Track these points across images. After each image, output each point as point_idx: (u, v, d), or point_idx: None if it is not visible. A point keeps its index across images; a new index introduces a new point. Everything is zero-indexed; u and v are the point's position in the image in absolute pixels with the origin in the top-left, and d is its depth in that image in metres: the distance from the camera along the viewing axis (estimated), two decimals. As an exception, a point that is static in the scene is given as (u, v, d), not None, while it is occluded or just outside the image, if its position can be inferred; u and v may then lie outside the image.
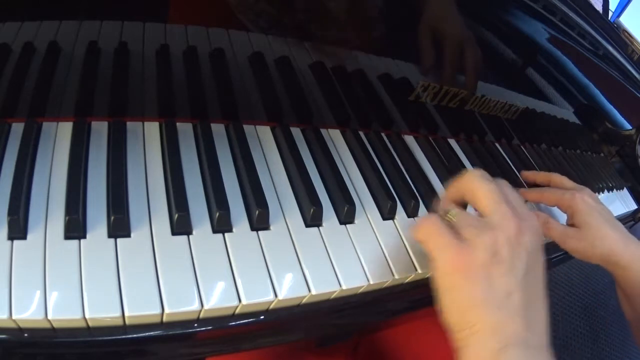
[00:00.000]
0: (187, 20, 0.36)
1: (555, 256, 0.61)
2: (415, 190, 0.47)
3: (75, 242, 0.30)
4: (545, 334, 0.32)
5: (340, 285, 0.35)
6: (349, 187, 0.42)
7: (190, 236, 0.33)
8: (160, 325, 0.30)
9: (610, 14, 0.99)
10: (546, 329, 0.32)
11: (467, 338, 0.30)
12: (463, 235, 0.32)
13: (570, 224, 0.50)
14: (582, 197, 0.50)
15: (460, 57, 0.50)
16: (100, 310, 0.27)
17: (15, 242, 0.28)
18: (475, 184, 0.35)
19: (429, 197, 0.47)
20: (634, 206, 0.89)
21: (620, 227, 0.49)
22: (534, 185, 0.59)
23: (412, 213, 0.45)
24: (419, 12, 0.45)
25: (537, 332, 0.31)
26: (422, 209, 0.46)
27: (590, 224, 0.48)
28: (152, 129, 0.39)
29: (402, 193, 0.45)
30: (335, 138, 0.48)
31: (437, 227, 0.32)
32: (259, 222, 0.35)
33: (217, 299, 0.30)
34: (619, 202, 0.84)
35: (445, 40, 0.47)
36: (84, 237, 0.30)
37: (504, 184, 0.36)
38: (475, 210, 0.36)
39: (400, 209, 0.44)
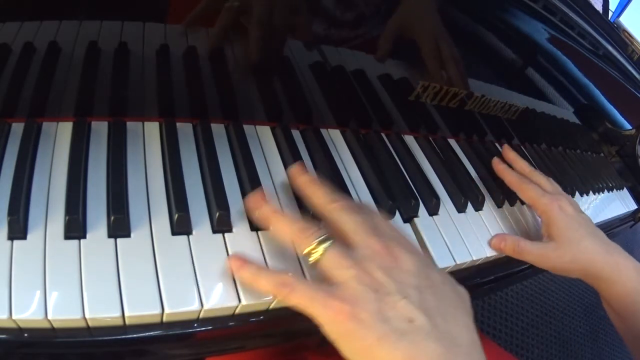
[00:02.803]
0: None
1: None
2: (415, 191, 0.47)
3: (75, 242, 0.30)
4: (472, 344, 0.29)
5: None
6: (349, 187, 0.42)
7: (190, 236, 0.33)
8: (160, 325, 0.30)
9: (610, 14, 0.99)
10: (471, 338, 0.30)
11: None
12: (335, 281, 0.30)
13: (546, 232, 0.48)
14: (561, 205, 0.47)
15: (436, 56, 0.48)
16: (100, 310, 0.27)
17: (15, 242, 0.28)
18: (340, 217, 0.33)
19: (428, 197, 0.47)
20: (634, 206, 0.89)
21: (600, 236, 0.47)
22: (496, 181, 0.55)
23: (411, 213, 0.45)
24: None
25: (459, 350, 0.28)
26: (421, 209, 0.46)
27: (569, 237, 0.45)
28: (152, 129, 0.39)
29: (402, 193, 0.45)
30: (335, 138, 0.48)
31: (301, 288, 0.29)
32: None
33: (217, 298, 0.30)
34: (619, 202, 0.84)
35: (417, 38, 0.45)
36: (84, 237, 0.30)
37: (373, 213, 0.35)
38: None
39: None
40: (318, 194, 0.35)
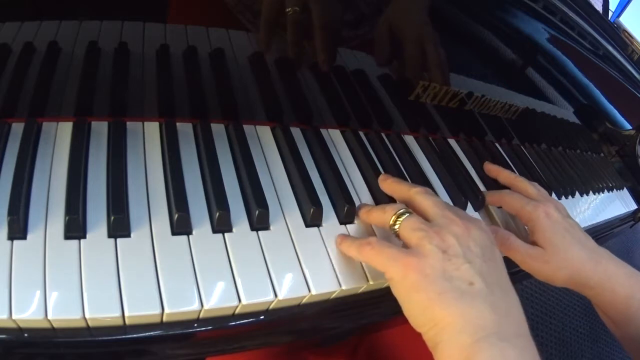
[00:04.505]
0: (187, 20, 0.36)
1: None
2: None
3: (75, 242, 0.30)
4: (522, 322, 0.31)
5: (340, 286, 0.35)
6: (349, 187, 0.42)
7: (190, 236, 0.33)
8: (160, 325, 0.30)
9: (610, 14, 0.99)
10: (521, 316, 0.31)
11: (436, 336, 0.30)
12: (410, 243, 0.33)
13: (532, 240, 0.45)
14: (546, 211, 0.45)
15: (420, 54, 0.47)
16: (100, 310, 0.27)
17: (15, 242, 0.28)
18: (420, 197, 0.37)
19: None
20: (634, 206, 0.90)
21: (589, 243, 0.44)
22: (496, 183, 0.54)
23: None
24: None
25: (511, 321, 0.30)
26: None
27: (555, 245, 0.43)
28: (152, 129, 0.39)
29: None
30: (335, 138, 0.48)
31: (379, 246, 0.33)
32: (259, 222, 0.35)
33: (217, 299, 0.30)
34: (619, 202, 0.84)
35: (402, 37, 0.45)
36: (84, 237, 0.30)
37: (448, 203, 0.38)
38: None
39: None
40: (401, 186, 0.40)
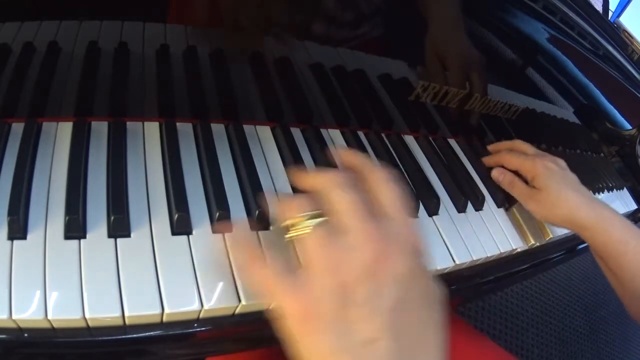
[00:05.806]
0: (187, 20, 0.36)
1: (555, 256, 0.61)
2: (415, 191, 0.47)
3: (75, 242, 0.30)
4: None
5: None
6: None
7: (190, 236, 0.33)
8: (160, 325, 0.30)
9: (610, 14, 0.99)
10: (438, 354, 0.25)
11: None
12: (308, 265, 0.26)
13: (532, 186, 0.51)
14: (543, 163, 0.50)
15: (467, 73, 0.52)
16: (100, 310, 0.27)
17: (15, 242, 0.28)
18: (334, 193, 0.27)
19: (428, 197, 0.47)
20: (634, 206, 0.89)
21: (584, 191, 0.50)
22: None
23: (411, 214, 0.45)
24: (419, 12, 0.45)
25: None
26: (421, 210, 0.46)
27: (549, 187, 0.49)
28: (152, 129, 0.39)
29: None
30: (335, 138, 0.48)
31: (272, 266, 0.26)
32: (259, 221, 0.35)
33: (217, 298, 0.30)
34: (619, 202, 0.84)
35: (449, 62, 0.49)
36: (84, 237, 0.30)
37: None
38: None
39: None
40: (316, 177, 0.29)
